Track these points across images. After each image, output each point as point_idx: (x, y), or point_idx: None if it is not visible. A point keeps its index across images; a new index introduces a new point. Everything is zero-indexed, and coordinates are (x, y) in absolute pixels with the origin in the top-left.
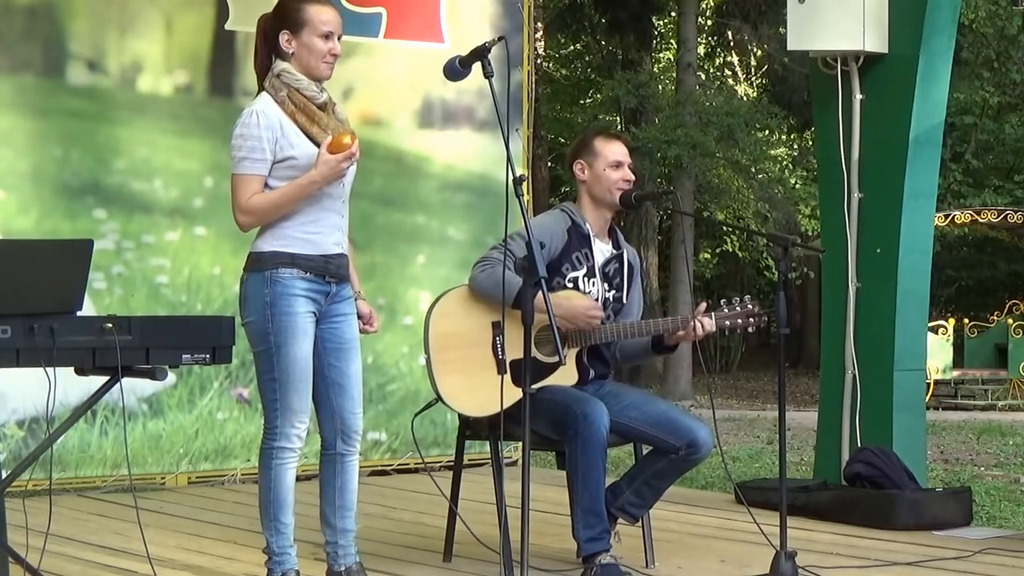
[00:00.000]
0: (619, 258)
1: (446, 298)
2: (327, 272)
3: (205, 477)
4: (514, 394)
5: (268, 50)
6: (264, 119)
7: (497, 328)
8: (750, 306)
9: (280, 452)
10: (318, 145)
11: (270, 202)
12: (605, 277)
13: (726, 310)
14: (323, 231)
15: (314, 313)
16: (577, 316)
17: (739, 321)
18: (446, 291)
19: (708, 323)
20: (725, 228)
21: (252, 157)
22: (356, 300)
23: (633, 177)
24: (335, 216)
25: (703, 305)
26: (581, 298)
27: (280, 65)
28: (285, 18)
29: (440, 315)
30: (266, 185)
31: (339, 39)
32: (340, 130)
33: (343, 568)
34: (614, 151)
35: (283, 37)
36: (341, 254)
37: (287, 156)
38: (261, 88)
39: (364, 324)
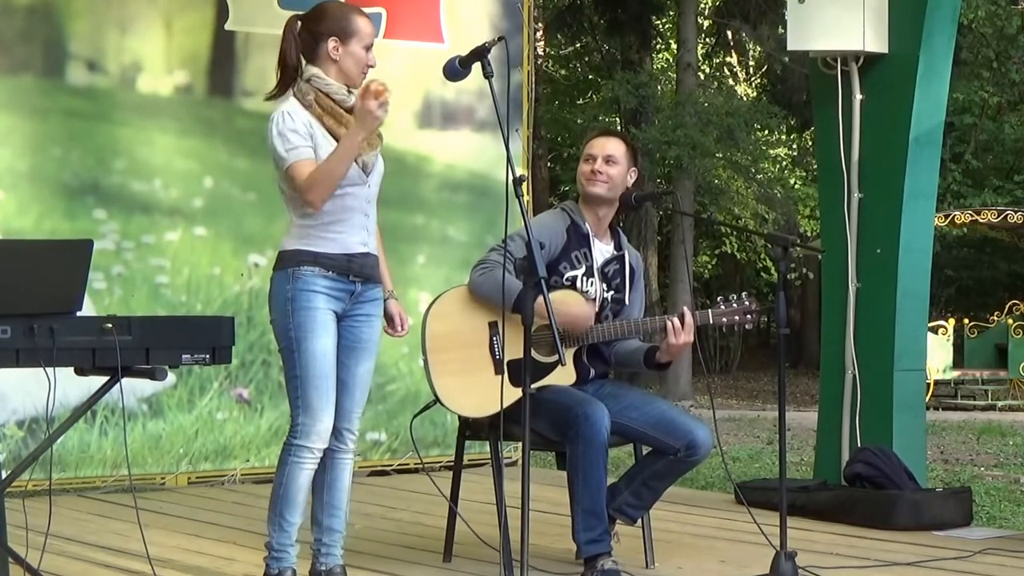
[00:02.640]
0: (620, 259)
1: (442, 299)
2: (350, 271)
3: (205, 477)
4: (512, 394)
5: (299, 52)
6: (297, 116)
7: (494, 328)
8: (747, 303)
9: (298, 450)
10: None
11: (322, 170)
12: (604, 277)
13: (722, 306)
14: (347, 230)
15: (336, 312)
16: (577, 324)
17: (736, 318)
18: (443, 292)
19: (689, 318)
20: (725, 229)
21: (296, 145)
22: (387, 300)
23: (604, 172)
24: (360, 215)
25: (684, 309)
26: (580, 306)
27: (311, 70)
28: (334, 25)
29: (436, 316)
30: None
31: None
32: (368, 82)
33: (324, 568)
34: (591, 144)
35: (331, 43)
36: (366, 253)
37: (317, 156)
38: (282, 86)
39: (390, 326)
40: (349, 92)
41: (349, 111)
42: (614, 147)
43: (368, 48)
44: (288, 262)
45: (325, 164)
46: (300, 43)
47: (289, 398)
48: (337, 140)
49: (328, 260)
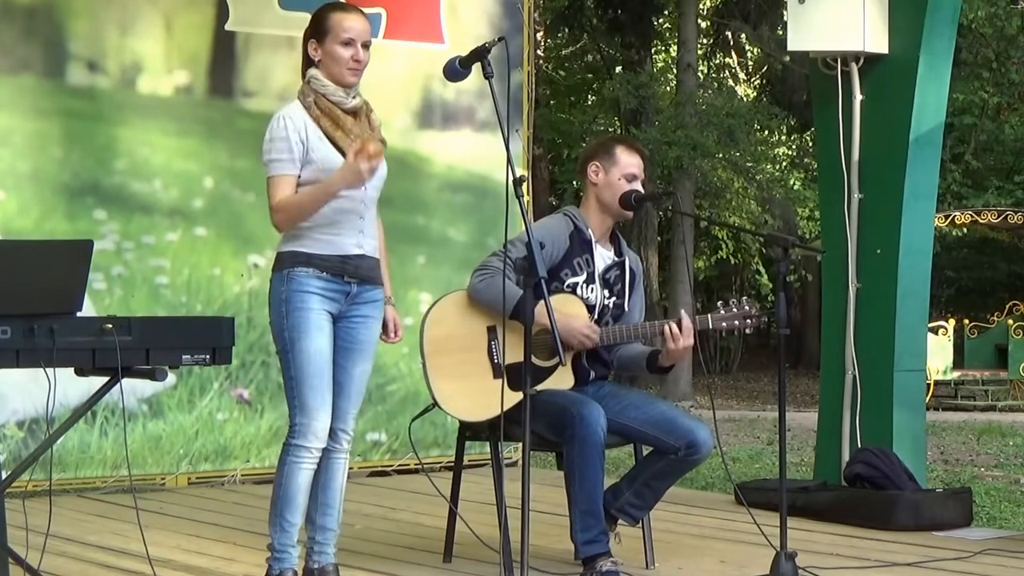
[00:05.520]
0: (620, 265)
1: (440, 304)
2: (345, 272)
3: (205, 478)
4: (510, 398)
5: (306, 60)
6: (291, 122)
7: (492, 333)
8: (747, 307)
9: (296, 450)
10: (340, 150)
11: (295, 202)
12: (606, 283)
13: (722, 311)
14: (342, 232)
15: (330, 312)
16: (572, 333)
17: (736, 323)
18: (441, 296)
19: (688, 322)
20: (725, 229)
21: (281, 159)
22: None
23: (643, 191)
24: (355, 218)
25: (683, 313)
26: (580, 318)
27: (311, 72)
28: (313, 27)
29: (434, 321)
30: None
31: (365, 47)
32: (369, 138)
33: (317, 566)
34: (632, 163)
35: (310, 45)
36: (362, 255)
37: (310, 159)
38: None
39: (383, 332)
40: (350, 95)
41: (351, 113)
42: (644, 166)
43: (348, 43)
44: (283, 264)
45: (298, 199)
46: (303, 50)
47: (287, 399)
48: (332, 142)
49: (321, 261)
